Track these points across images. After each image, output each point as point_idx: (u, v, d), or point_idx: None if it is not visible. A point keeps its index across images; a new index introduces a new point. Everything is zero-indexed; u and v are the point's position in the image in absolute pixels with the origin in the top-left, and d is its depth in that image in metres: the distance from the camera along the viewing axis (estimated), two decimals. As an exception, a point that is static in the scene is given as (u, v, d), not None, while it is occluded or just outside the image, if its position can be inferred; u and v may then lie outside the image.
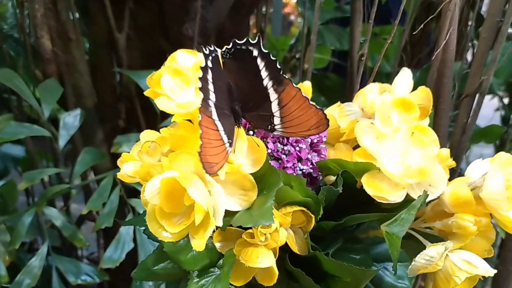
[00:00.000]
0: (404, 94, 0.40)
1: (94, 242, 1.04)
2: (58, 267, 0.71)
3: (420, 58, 1.06)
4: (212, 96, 0.31)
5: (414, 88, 0.42)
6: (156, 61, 0.90)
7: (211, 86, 0.31)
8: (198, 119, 0.28)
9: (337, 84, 1.10)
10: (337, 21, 1.28)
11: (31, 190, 1.08)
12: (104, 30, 0.84)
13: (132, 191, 0.74)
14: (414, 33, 0.51)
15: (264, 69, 0.33)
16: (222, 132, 0.30)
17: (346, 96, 0.89)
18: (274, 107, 0.33)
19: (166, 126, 0.47)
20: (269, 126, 0.33)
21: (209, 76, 0.31)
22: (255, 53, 0.33)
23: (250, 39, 0.33)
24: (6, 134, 0.67)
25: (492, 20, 0.54)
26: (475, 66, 0.57)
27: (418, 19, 1.04)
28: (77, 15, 0.80)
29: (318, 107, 0.32)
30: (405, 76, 0.41)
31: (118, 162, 0.32)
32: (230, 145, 0.30)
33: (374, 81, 1.11)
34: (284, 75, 0.33)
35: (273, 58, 0.33)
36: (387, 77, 0.94)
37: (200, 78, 0.30)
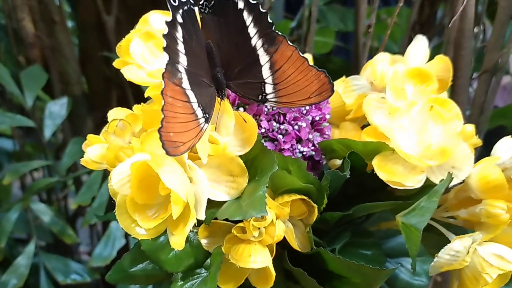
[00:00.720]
0: (419, 64, 0.35)
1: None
2: (46, 265, 0.67)
3: (430, 38, 1.00)
4: (183, 59, 0.25)
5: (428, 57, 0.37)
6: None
7: (181, 47, 0.25)
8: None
9: (341, 67, 1.04)
10: (339, 2, 1.23)
11: (26, 184, 1.04)
12: (91, 12, 0.79)
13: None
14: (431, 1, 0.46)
15: (252, 25, 0.27)
16: (194, 105, 0.24)
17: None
18: (265, 72, 0.27)
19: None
20: (260, 96, 0.27)
21: (179, 34, 0.26)
22: (241, 5, 0.27)
23: None
24: (-14, 124, 0.62)
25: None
26: (494, 39, 0.51)
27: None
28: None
29: (319, 69, 0.27)
30: (420, 44, 0.36)
31: (83, 146, 0.27)
32: (207, 121, 0.25)
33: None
34: (277, 31, 0.27)
35: (263, 11, 0.27)
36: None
37: (164, 36, 0.24)
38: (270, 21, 0.27)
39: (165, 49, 0.24)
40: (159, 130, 0.22)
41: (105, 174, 0.67)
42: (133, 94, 0.81)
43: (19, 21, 0.65)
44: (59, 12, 0.71)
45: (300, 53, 0.27)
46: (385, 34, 1.18)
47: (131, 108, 0.76)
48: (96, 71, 0.83)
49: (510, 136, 0.31)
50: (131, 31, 0.82)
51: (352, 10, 0.95)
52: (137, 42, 0.26)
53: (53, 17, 0.70)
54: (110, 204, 0.66)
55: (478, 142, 0.31)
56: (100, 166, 0.27)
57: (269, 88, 0.27)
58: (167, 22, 0.25)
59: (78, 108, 0.76)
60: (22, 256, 0.66)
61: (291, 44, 0.27)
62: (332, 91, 0.27)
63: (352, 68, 0.83)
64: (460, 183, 0.29)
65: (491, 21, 0.70)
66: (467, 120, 0.56)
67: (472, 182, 0.28)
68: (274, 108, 0.29)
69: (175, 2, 0.26)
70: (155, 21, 0.28)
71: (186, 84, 0.25)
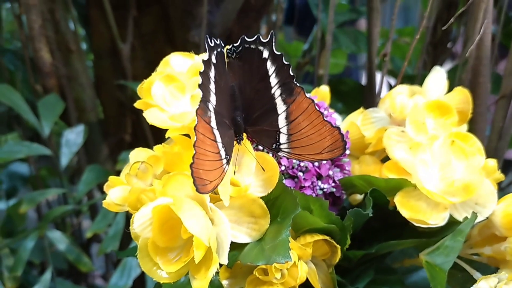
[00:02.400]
0: (438, 96, 0.34)
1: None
2: (62, 293, 0.66)
3: (444, 60, 1.00)
4: (213, 98, 0.25)
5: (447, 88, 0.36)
6: (162, 71, 0.85)
7: (212, 86, 0.26)
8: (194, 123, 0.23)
9: (354, 88, 1.04)
10: (352, 24, 1.23)
11: (41, 208, 1.05)
12: (106, 40, 0.80)
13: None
14: (443, 28, 0.46)
15: (274, 74, 0.27)
16: (219, 144, 0.24)
17: (365, 101, 0.84)
18: (281, 121, 0.27)
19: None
20: (274, 145, 0.27)
21: (212, 73, 0.26)
22: (265, 54, 0.28)
23: (261, 37, 0.28)
24: (4, 154, 0.63)
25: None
26: (510, 63, 0.51)
27: (439, 18, 0.99)
28: (75, 24, 0.76)
29: (334, 125, 0.26)
30: (439, 76, 0.36)
31: (105, 187, 0.27)
32: (228, 162, 0.25)
33: (390, 88, 1.05)
34: (296, 83, 0.27)
35: (286, 62, 0.27)
36: (409, 80, 0.88)
37: (201, 73, 0.25)
38: (292, 73, 0.27)
39: (200, 86, 0.24)
40: (191, 166, 0.22)
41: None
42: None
43: (36, 51, 0.66)
44: (75, 41, 0.72)
45: (317, 107, 0.26)
46: (396, 54, 1.18)
47: (146, 135, 0.76)
48: (111, 96, 0.84)
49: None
50: (144, 55, 0.82)
51: (364, 32, 0.95)
52: (159, 85, 0.26)
53: (70, 46, 0.70)
54: (126, 233, 0.66)
55: (501, 177, 0.31)
56: (122, 209, 0.26)
57: (283, 138, 0.27)
58: (203, 61, 0.25)
59: (93, 134, 0.76)
60: (38, 285, 0.66)
61: (308, 96, 0.27)
62: (345, 149, 0.26)
63: (366, 91, 0.83)
64: (484, 220, 0.29)
65: (506, 41, 0.70)
66: (486, 146, 0.55)
67: (496, 220, 0.28)
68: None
69: (211, 43, 0.26)
70: (176, 63, 0.28)
71: (213, 123, 0.25)
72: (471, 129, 0.48)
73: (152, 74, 0.28)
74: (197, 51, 0.75)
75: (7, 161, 0.75)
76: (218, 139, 0.25)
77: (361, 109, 0.37)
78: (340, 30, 1.02)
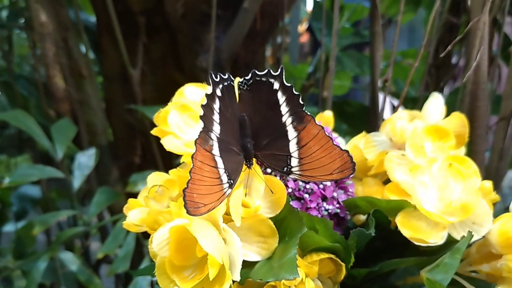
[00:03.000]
0: (436, 121, 0.36)
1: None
2: (73, 313, 0.68)
3: (447, 81, 1.02)
4: (217, 128, 0.28)
5: (445, 113, 0.38)
6: (170, 94, 0.87)
7: (216, 117, 0.28)
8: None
9: (359, 110, 1.06)
10: (355, 47, 1.25)
11: (50, 229, 1.06)
12: (116, 65, 0.83)
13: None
14: (441, 54, 0.48)
15: (284, 104, 0.30)
16: (221, 170, 0.27)
17: (370, 122, 0.86)
18: (292, 146, 0.29)
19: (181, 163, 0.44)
20: (285, 168, 0.29)
21: (216, 105, 0.28)
22: (276, 86, 0.30)
23: (271, 71, 0.30)
24: (18, 177, 0.65)
25: (524, 37, 0.50)
26: (509, 86, 0.53)
27: (441, 41, 1.01)
28: (87, 50, 0.79)
29: (342, 148, 0.28)
30: (436, 101, 0.38)
31: (124, 209, 0.29)
32: (231, 186, 0.27)
33: (393, 108, 1.06)
34: (306, 111, 0.29)
35: (296, 93, 0.29)
36: (413, 102, 0.90)
37: (203, 106, 0.27)
38: (301, 102, 0.29)
39: (201, 117, 0.27)
40: (183, 190, 0.24)
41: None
42: (157, 142, 0.84)
43: (50, 78, 0.68)
44: (87, 67, 0.74)
45: (326, 133, 0.28)
46: (399, 76, 1.20)
47: (155, 157, 0.78)
48: (120, 120, 0.86)
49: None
50: (153, 80, 0.85)
51: (368, 55, 0.97)
52: (174, 114, 0.28)
53: (82, 72, 0.73)
54: (136, 253, 0.68)
55: (496, 198, 0.32)
56: (141, 229, 0.28)
57: (294, 162, 0.29)
58: (206, 95, 0.27)
59: (103, 157, 0.78)
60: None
61: (318, 123, 0.29)
62: (354, 170, 0.28)
63: (370, 112, 0.85)
64: (481, 238, 0.30)
65: (506, 63, 0.72)
66: (487, 166, 0.57)
67: (492, 238, 0.29)
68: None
69: (216, 78, 0.28)
70: (190, 93, 0.30)
71: (216, 151, 0.27)
72: (471, 151, 0.49)
73: (168, 104, 0.30)
74: (205, 76, 0.78)
75: (20, 184, 0.77)
76: (220, 165, 0.27)
77: (364, 133, 0.39)
78: (344, 53, 1.05)
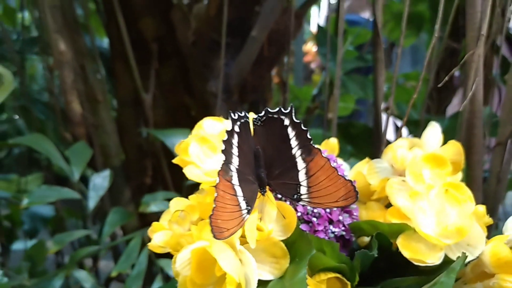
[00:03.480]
0: (434, 149, 0.39)
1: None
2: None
3: (447, 104, 1.05)
4: (235, 161, 0.31)
5: (445, 137, 0.41)
6: (181, 117, 0.91)
7: (235, 151, 0.31)
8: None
9: (363, 131, 1.09)
10: (360, 70, 1.29)
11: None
12: (129, 89, 0.86)
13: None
14: (439, 85, 0.51)
15: (294, 138, 0.33)
16: (240, 198, 0.30)
17: (373, 144, 0.88)
18: (301, 176, 0.32)
19: (192, 184, 0.48)
20: (295, 196, 0.32)
21: (235, 140, 0.31)
22: (287, 122, 0.33)
23: (282, 109, 0.33)
24: (36, 198, 0.68)
25: (518, 67, 0.53)
26: (505, 113, 0.55)
27: (442, 65, 1.04)
28: (102, 76, 0.83)
29: (347, 178, 0.31)
30: (434, 130, 0.40)
31: (149, 232, 0.32)
32: (249, 212, 0.30)
33: (397, 129, 1.09)
34: (313, 145, 0.33)
35: (304, 128, 0.32)
36: (415, 124, 0.93)
37: (224, 141, 0.30)
38: (310, 137, 0.32)
39: (222, 151, 0.30)
40: (210, 217, 0.27)
41: (143, 242, 0.72)
42: (167, 163, 0.87)
43: (68, 103, 0.72)
44: (102, 92, 0.78)
45: (332, 164, 0.31)
46: (403, 98, 1.23)
47: (166, 178, 0.81)
48: (132, 142, 0.90)
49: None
50: (165, 104, 0.87)
51: (371, 78, 1.00)
52: (195, 145, 0.31)
53: (97, 97, 0.77)
54: (148, 272, 0.70)
55: (490, 221, 0.35)
56: (164, 250, 0.31)
57: (303, 190, 0.32)
58: (227, 131, 0.31)
59: (117, 178, 0.81)
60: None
61: (324, 156, 0.32)
62: (357, 198, 0.31)
63: (374, 134, 0.88)
64: (475, 258, 0.33)
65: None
66: (485, 189, 0.59)
67: (485, 259, 0.32)
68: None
69: (235, 116, 0.32)
70: (208, 126, 0.33)
71: (235, 180, 0.30)
72: (468, 175, 0.52)
73: (189, 136, 0.33)
74: (214, 100, 0.81)
75: (37, 204, 0.80)
76: (239, 193, 0.30)
77: (367, 159, 0.42)
78: (348, 77, 1.08)
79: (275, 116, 0.33)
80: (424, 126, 0.87)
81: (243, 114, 0.32)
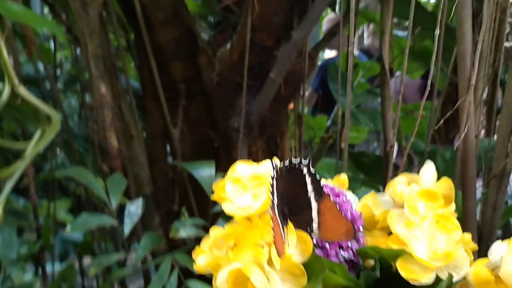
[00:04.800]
0: (429, 184, 0.46)
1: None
2: None
3: (454, 136, 1.11)
4: (276, 200, 0.38)
5: (448, 168, 0.48)
6: (205, 149, 1.00)
7: (275, 192, 0.39)
8: (263, 217, 0.37)
9: (374, 161, 1.15)
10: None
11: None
12: (159, 124, 0.95)
13: (186, 272, 0.80)
14: (436, 125, 0.58)
15: (310, 183, 0.40)
16: (281, 227, 0.37)
17: (383, 173, 0.94)
18: (314, 214, 0.40)
19: (218, 211, 0.56)
20: (308, 230, 0.40)
21: (274, 184, 0.39)
22: (305, 171, 0.40)
23: (302, 160, 0.40)
24: (79, 224, 0.76)
25: (509, 109, 0.60)
26: (498, 150, 0.62)
27: (447, 97, 1.11)
28: (135, 113, 0.91)
29: (348, 219, 0.39)
30: (429, 168, 0.48)
31: (193, 254, 0.39)
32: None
33: (409, 157, 1.16)
34: (324, 190, 0.40)
35: (318, 177, 0.40)
36: (421, 155, 0.99)
37: (271, 186, 0.38)
38: (322, 184, 0.40)
39: (271, 193, 0.38)
40: (274, 243, 0.36)
41: (173, 265, 0.79)
42: (193, 192, 0.95)
43: (106, 139, 0.80)
44: (135, 128, 0.86)
45: (337, 207, 0.39)
46: (411, 128, 1.29)
47: (192, 206, 0.88)
48: (161, 172, 0.98)
49: (501, 240, 0.42)
50: (191, 138, 0.96)
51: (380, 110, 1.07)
52: (230, 185, 0.39)
53: (132, 132, 0.85)
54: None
55: (475, 247, 0.42)
56: (206, 270, 0.38)
57: (315, 226, 0.40)
58: (272, 177, 0.39)
59: (148, 205, 0.89)
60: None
61: (332, 199, 0.40)
62: (355, 234, 0.39)
63: (383, 165, 0.95)
64: (462, 279, 0.39)
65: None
66: (482, 217, 0.66)
67: (470, 278, 0.39)
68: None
69: (276, 173, 0.39)
70: (240, 169, 0.41)
71: (278, 215, 0.38)
72: (464, 206, 0.59)
73: (226, 176, 0.40)
74: (237, 134, 0.89)
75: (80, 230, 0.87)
76: (281, 224, 0.37)
77: (373, 192, 0.49)
78: (359, 110, 1.15)
79: (297, 166, 0.40)
80: (430, 156, 0.95)
81: (275, 164, 0.40)
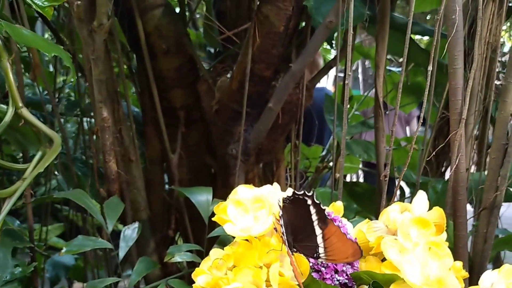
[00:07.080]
0: (421, 213, 0.48)
1: None
2: None
3: (445, 169, 1.13)
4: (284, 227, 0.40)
5: (439, 198, 0.49)
6: (203, 176, 1.01)
7: (283, 220, 0.40)
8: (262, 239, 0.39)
9: (367, 190, 1.17)
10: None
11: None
12: (157, 150, 0.97)
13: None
14: (428, 158, 0.60)
15: (314, 212, 0.42)
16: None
17: (377, 202, 0.96)
18: (319, 240, 0.42)
19: (215, 236, 0.57)
20: (315, 255, 0.41)
21: (282, 212, 0.41)
22: (309, 202, 0.42)
23: (306, 192, 0.42)
24: (74, 247, 0.76)
25: (499, 143, 0.63)
26: (489, 182, 0.64)
27: (439, 131, 1.14)
28: (134, 138, 0.93)
29: (353, 240, 0.41)
30: (422, 197, 0.49)
31: (193, 275, 0.41)
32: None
33: (401, 189, 1.17)
34: (328, 218, 0.42)
35: (323, 208, 0.42)
36: (413, 186, 1.01)
37: (281, 216, 0.40)
38: (326, 213, 0.42)
39: (281, 224, 0.40)
40: (290, 263, 0.38)
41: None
42: (189, 217, 0.96)
43: (106, 162, 0.81)
44: (134, 153, 0.88)
45: (341, 230, 0.41)
46: (404, 160, 1.31)
47: (187, 231, 0.89)
48: (158, 197, 0.99)
49: (491, 269, 0.44)
50: (189, 163, 0.97)
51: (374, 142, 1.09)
52: (232, 208, 0.40)
53: (131, 157, 0.86)
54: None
55: (466, 274, 0.43)
56: (206, 291, 0.40)
57: (321, 250, 0.41)
58: (280, 208, 0.40)
59: (143, 230, 0.90)
60: None
61: (335, 225, 0.42)
62: (361, 255, 0.41)
63: (376, 194, 0.96)
64: (453, 303, 0.41)
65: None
66: (473, 247, 0.67)
67: (459, 303, 0.40)
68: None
69: (282, 203, 0.41)
70: (241, 192, 0.42)
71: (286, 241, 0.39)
72: (455, 235, 0.60)
73: (227, 199, 0.42)
74: (234, 161, 0.90)
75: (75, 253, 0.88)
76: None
77: (367, 220, 0.51)
78: (353, 141, 1.18)
79: (301, 197, 0.42)
80: (421, 187, 0.97)
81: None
